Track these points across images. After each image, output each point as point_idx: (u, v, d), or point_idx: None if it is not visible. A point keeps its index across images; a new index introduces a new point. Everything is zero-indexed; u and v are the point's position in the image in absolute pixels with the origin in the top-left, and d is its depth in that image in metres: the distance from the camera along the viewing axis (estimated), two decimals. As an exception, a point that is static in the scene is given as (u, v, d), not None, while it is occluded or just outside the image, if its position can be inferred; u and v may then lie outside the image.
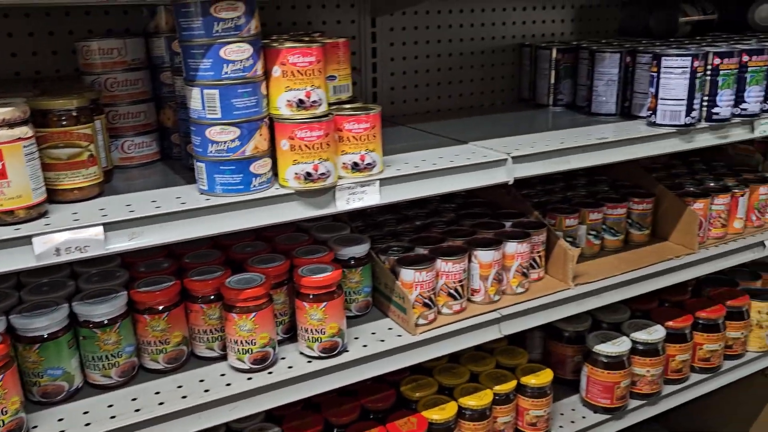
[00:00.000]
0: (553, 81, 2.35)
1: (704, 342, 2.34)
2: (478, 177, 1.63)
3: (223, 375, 1.55)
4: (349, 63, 1.69)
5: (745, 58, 1.99)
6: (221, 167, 1.36)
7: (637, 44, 2.23)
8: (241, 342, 1.52)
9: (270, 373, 1.54)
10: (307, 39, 1.61)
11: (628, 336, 2.20)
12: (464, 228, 1.97)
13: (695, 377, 2.36)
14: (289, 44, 1.39)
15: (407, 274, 1.71)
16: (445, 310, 1.78)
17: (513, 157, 1.66)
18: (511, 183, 1.68)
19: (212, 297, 1.58)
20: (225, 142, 1.35)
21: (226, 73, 1.32)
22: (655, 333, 2.20)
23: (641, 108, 2.07)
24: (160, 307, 1.53)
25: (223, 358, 1.60)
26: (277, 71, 1.38)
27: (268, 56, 1.39)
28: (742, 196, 2.30)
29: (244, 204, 1.37)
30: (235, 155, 1.36)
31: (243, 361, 1.54)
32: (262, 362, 1.55)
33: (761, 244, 2.28)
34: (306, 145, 1.39)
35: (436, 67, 2.38)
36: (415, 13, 2.28)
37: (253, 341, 1.52)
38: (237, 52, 1.32)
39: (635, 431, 2.33)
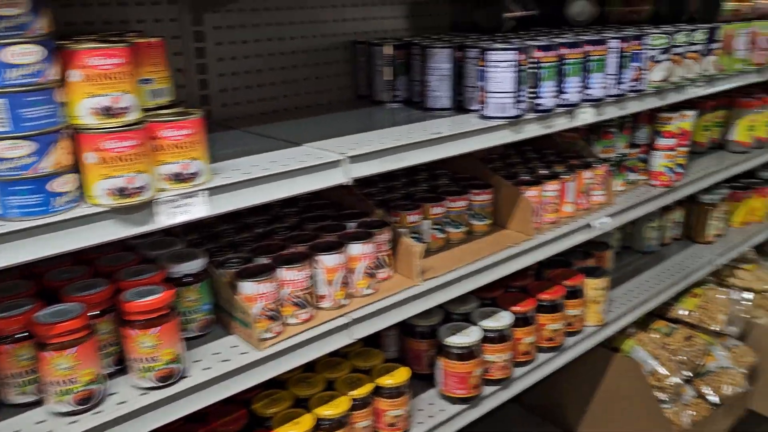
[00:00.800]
0: (388, 77, 2.35)
1: (547, 322, 2.45)
2: (313, 180, 1.57)
3: (41, 422, 1.36)
4: (168, 64, 1.56)
5: (564, 51, 2.09)
6: (15, 187, 1.19)
7: (466, 39, 2.28)
8: (61, 382, 1.35)
9: (98, 413, 1.38)
10: (115, 39, 1.45)
11: (477, 325, 2.24)
12: (307, 233, 1.90)
13: (542, 357, 2.46)
14: (88, 45, 1.24)
15: (248, 287, 1.61)
16: (292, 321, 1.71)
17: (349, 157, 1.62)
18: (349, 184, 1.64)
19: (22, 335, 1.38)
20: (17, 159, 1.18)
21: (12, 79, 1.15)
22: (502, 319, 2.27)
23: (473, 102, 2.12)
24: (-45, 354, 1.31)
25: (42, 402, 1.41)
26: (76, 75, 1.23)
27: (65, 59, 1.23)
28: (571, 181, 2.43)
29: (46, 228, 1.20)
30: (29, 173, 1.18)
31: (64, 403, 1.36)
32: (87, 402, 1.38)
33: (588, 225, 2.43)
34: (116, 157, 1.25)
35: (268, 67, 2.29)
36: (241, 10, 2.17)
37: (75, 380, 1.35)
38: (23, 54, 1.15)
39: (494, 415, 2.39)
